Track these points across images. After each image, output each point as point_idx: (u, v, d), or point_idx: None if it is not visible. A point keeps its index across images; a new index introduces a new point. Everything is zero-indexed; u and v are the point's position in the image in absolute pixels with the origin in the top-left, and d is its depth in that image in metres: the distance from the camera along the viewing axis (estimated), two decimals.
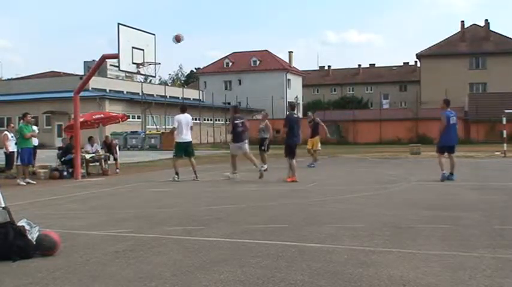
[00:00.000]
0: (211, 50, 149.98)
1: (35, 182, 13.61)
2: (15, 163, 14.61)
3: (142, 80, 52.17)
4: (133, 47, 14.39)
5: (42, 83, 49.74)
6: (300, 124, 12.93)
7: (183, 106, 14.33)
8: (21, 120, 14.46)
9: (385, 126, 43.44)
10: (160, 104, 45.43)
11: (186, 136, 13.42)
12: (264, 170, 13.95)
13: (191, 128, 13.64)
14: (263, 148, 16.18)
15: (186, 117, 13.54)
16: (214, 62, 72.42)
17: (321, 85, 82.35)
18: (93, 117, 17.58)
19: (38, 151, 16.45)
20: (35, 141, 15.61)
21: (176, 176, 13.21)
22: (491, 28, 58.03)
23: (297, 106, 68.50)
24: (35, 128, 15.25)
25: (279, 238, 5.84)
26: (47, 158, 17.44)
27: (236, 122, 13.57)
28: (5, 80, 64.31)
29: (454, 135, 12.38)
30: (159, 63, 15.31)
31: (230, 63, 69.19)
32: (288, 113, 12.99)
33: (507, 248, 5.22)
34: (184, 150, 13.51)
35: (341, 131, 43.33)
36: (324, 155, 18.27)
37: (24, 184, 13.28)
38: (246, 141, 13.77)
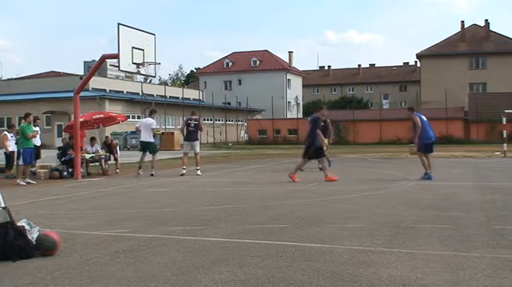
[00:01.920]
0: (211, 50, 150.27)
1: (35, 182, 13.60)
2: (15, 163, 14.59)
3: (142, 80, 52.22)
4: (133, 47, 14.40)
5: (42, 83, 49.75)
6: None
7: (152, 110, 16.53)
8: (23, 120, 14.43)
9: (385, 126, 43.46)
10: (160, 104, 45.45)
11: (144, 137, 15.37)
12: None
13: (152, 129, 15.43)
14: (324, 147, 16.26)
15: (147, 121, 15.81)
16: (214, 62, 72.50)
17: (321, 85, 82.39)
18: (93, 117, 17.56)
19: None
20: (38, 141, 15.61)
21: (140, 170, 14.97)
22: (491, 28, 58.07)
23: (298, 106, 68.90)
24: (37, 128, 15.25)
25: (279, 238, 5.84)
26: (47, 158, 17.43)
27: (189, 122, 15.04)
28: (5, 80, 64.32)
29: (432, 132, 12.72)
30: (159, 63, 15.35)
31: (230, 63, 69.23)
32: (314, 114, 13.24)
33: (507, 248, 5.22)
34: (144, 148, 15.48)
35: (341, 131, 43.34)
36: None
37: (24, 183, 13.27)
38: (197, 141, 15.12)
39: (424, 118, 12.74)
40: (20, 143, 13.73)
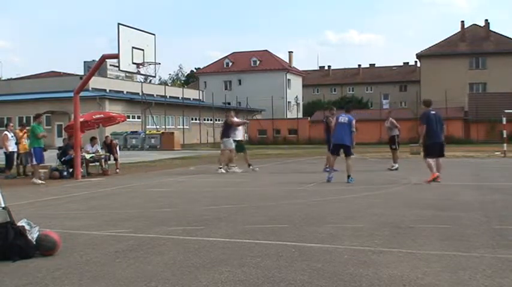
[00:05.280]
0: (211, 50, 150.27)
1: (45, 183, 13.39)
2: (31, 163, 14.38)
3: (142, 80, 52.19)
4: (133, 47, 14.40)
5: (42, 83, 49.72)
6: (442, 122, 12.07)
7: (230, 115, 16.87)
8: (33, 121, 14.39)
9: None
10: (160, 104, 45.44)
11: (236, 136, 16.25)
12: (395, 169, 15.27)
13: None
14: (393, 146, 16.14)
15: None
16: (214, 62, 72.48)
17: (321, 85, 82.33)
18: (93, 117, 17.57)
19: None
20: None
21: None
22: (491, 28, 58.01)
23: (298, 106, 68.89)
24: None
25: (279, 238, 5.84)
26: (47, 158, 17.38)
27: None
28: (5, 80, 64.30)
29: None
30: (159, 63, 15.35)
31: (230, 63, 69.22)
32: (425, 110, 12.09)
33: (507, 248, 5.22)
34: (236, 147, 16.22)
35: None
36: (323, 155, 18.24)
37: (39, 182, 13.14)
38: (225, 139, 15.67)
39: (341, 119, 12.46)
40: (31, 142, 13.77)
